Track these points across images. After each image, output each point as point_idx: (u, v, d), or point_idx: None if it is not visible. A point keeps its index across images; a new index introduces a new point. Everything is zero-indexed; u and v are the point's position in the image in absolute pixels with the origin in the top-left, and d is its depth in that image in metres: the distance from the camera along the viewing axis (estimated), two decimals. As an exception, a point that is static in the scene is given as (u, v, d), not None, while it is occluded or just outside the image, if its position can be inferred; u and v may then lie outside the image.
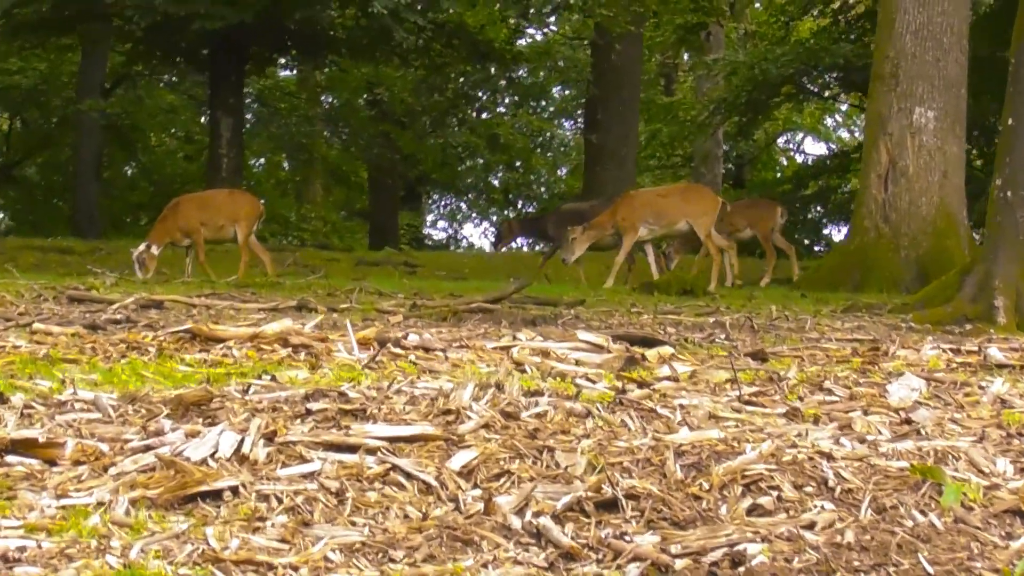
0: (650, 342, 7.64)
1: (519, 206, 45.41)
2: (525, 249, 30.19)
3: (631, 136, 29.35)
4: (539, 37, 29.37)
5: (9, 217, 42.09)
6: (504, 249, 22.64)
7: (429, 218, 48.70)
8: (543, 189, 45.54)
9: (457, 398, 4.87)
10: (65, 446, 4.35)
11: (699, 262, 18.33)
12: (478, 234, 52.34)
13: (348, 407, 4.79)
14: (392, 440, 4.43)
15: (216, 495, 3.89)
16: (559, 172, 46.09)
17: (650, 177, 42.56)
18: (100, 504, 3.82)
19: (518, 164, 41.34)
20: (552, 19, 24.13)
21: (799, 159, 51.73)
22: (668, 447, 4.39)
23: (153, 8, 20.14)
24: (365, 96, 32.67)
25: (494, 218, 46.84)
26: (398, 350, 6.78)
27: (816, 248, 42.21)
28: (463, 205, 48.75)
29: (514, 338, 7.51)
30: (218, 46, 22.09)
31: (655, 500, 3.94)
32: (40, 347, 7.01)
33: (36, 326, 7.79)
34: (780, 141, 52.53)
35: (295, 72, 34.12)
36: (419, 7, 21.03)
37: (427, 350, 6.91)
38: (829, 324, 9.81)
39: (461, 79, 28.74)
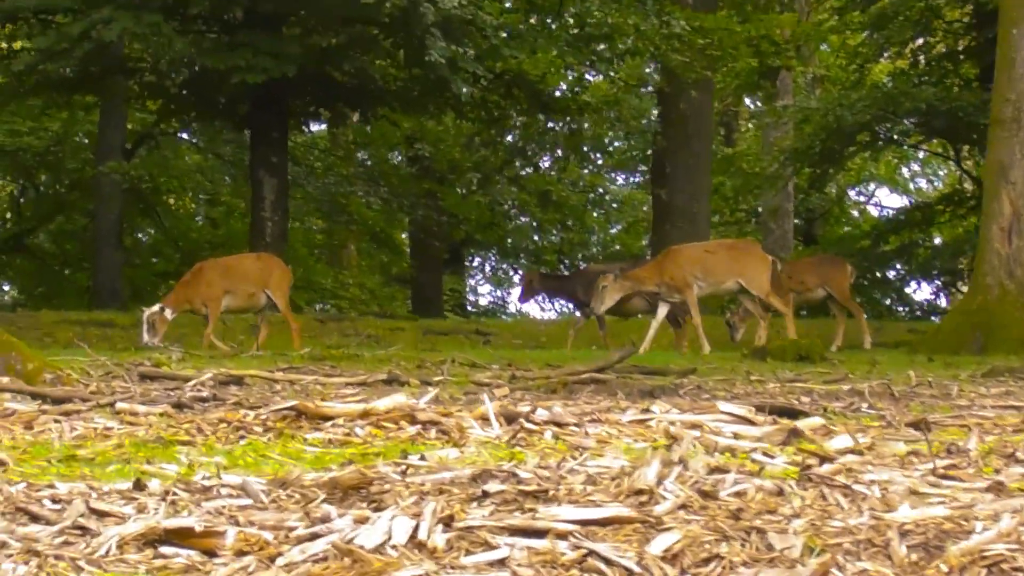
0: (793, 413, 7.65)
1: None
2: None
3: (703, 192, 29.36)
4: (596, 82, 29.35)
5: (17, 289, 42.34)
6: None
7: (471, 282, 48.80)
8: (596, 249, 45.58)
9: (642, 476, 4.85)
10: (225, 535, 4.30)
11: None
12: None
13: (526, 488, 4.79)
14: (584, 523, 4.40)
15: (399, 585, 3.85)
16: (611, 230, 46.18)
17: (714, 234, 42.59)
18: (276, 598, 3.77)
19: (570, 222, 41.40)
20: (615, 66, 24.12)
21: (874, 212, 51.58)
22: (890, 526, 4.36)
23: (190, 62, 20.39)
24: (407, 153, 32.90)
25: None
26: (531, 425, 6.79)
27: (899, 309, 42.00)
28: (509, 268, 48.75)
29: (646, 411, 7.51)
30: (258, 101, 22.28)
31: (890, 586, 3.91)
32: (134, 428, 7.05)
33: (120, 406, 7.83)
34: (852, 193, 52.41)
35: (328, 127, 34.34)
36: (476, 56, 21.15)
37: (560, 425, 6.90)
38: (973, 390, 9.77)
39: (517, 132, 28.81)
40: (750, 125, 47.93)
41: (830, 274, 19.18)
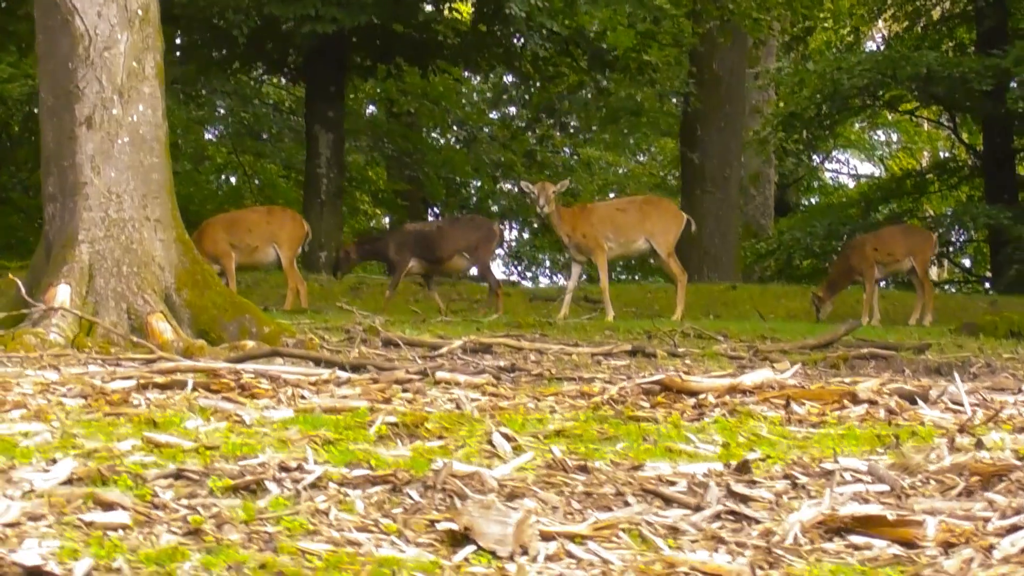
0: None
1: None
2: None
3: (735, 156, 28.84)
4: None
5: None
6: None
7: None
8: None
9: None
10: (924, 525, 3.90)
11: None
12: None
13: None
14: None
15: None
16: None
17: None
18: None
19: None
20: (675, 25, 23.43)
21: (846, 180, 51.36)
22: None
23: (258, 11, 19.53)
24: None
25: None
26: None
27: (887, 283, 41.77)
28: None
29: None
30: (316, 54, 21.47)
31: None
32: (496, 399, 6.46)
33: (440, 375, 7.27)
34: (816, 160, 51.68)
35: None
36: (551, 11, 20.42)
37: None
38: None
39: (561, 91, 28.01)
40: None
41: (918, 245, 18.61)
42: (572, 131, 35.86)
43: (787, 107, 36.58)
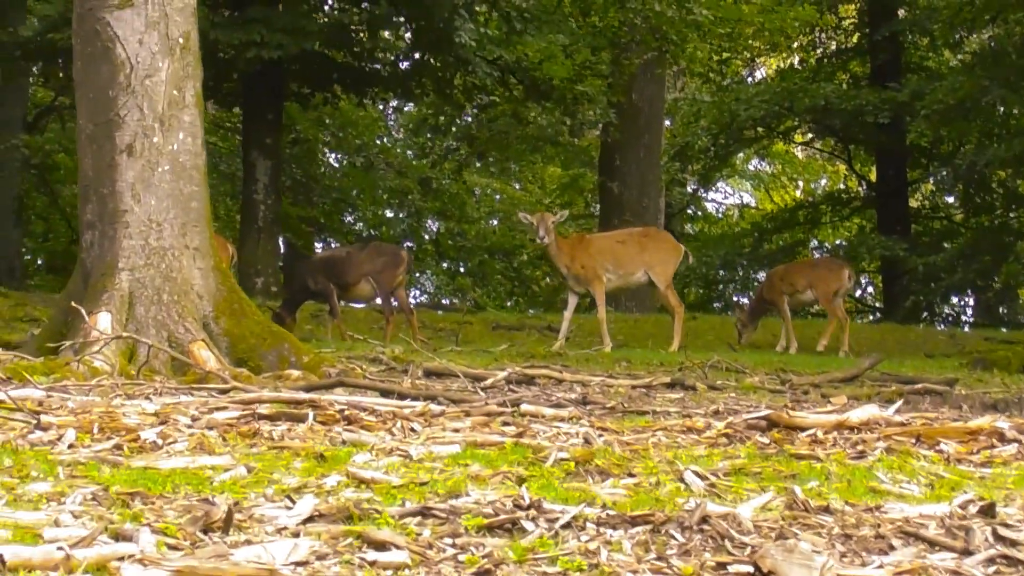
0: None
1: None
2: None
3: (653, 185, 29.09)
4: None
5: None
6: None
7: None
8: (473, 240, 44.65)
9: None
10: None
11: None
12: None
13: None
14: None
15: None
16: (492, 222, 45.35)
17: (574, 227, 41.80)
18: None
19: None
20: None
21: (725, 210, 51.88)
22: None
23: (202, 36, 19.24)
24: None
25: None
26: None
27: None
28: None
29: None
30: (254, 80, 21.29)
31: None
32: (604, 433, 6.46)
33: (525, 407, 7.30)
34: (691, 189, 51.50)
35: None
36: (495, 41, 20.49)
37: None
38: None
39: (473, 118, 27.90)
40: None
41: (821, 277, 18.61)
42: (487, 161, 35.92)
43: (682, 137, 37.02)
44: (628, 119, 27.70)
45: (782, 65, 41.43)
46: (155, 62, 9.41)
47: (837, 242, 44.06)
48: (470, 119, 27.87)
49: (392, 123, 38.51)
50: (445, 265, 42.83)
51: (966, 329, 27.60)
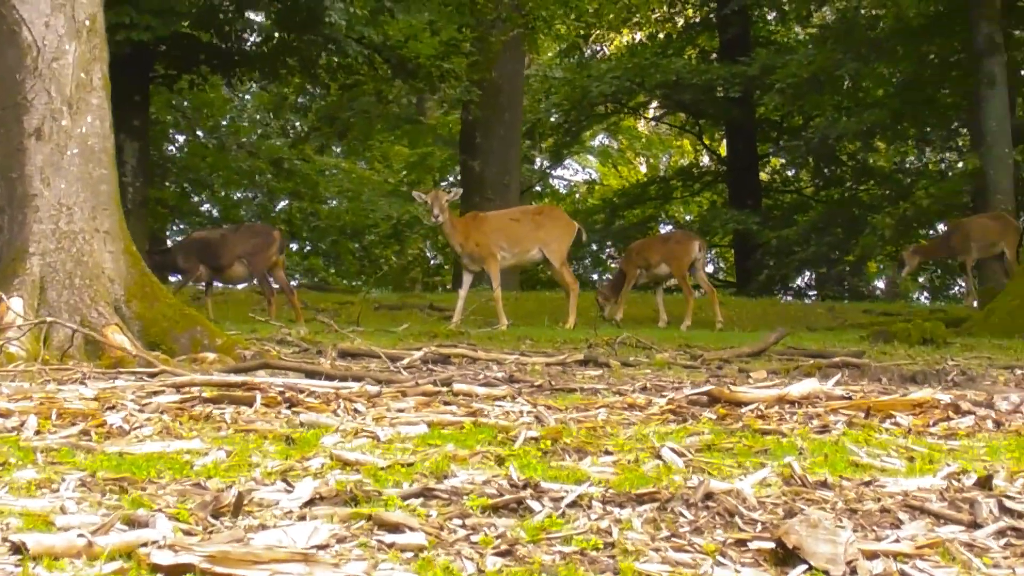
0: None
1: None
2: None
3: (514, 163, 29.14)
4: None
5: None
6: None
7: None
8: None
9: None
10: None
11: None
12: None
13: None
14: None
15: None
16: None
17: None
18: None
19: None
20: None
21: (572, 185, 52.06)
22: None
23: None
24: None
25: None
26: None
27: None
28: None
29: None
30: (121, 62, 20.87)
31: None
32: (550, 412, 6.48)
33: (457, 387, 7.32)
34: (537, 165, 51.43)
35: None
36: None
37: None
38: None
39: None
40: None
41: (672, 252, 18.78)
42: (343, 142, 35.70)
43: (533, 114, 37.18)
44: (489, 97, 27.68)
45: (630, 40, 41.76)
46: (62, 45, 9.25)
47: (688, 217, 44.74)
48: (324, 102, 27.64)
49: (248, 103, 38.07)
50: (295, 247, 42.46)
51: (846, 303, 28.07)
